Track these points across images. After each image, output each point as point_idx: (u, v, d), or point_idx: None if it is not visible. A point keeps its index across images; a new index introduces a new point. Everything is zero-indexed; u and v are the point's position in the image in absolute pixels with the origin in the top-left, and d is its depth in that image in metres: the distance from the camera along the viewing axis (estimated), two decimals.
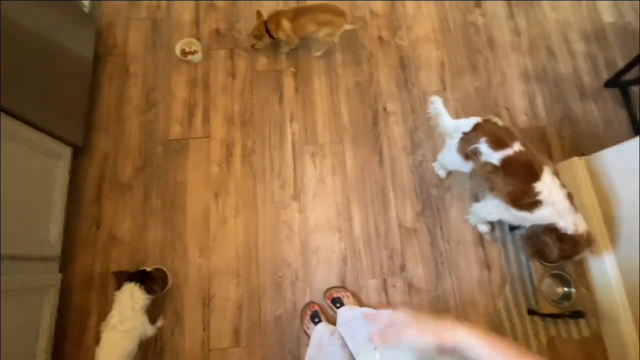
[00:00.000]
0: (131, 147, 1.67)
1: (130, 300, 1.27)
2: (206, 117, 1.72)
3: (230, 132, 1.70)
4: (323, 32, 1.66)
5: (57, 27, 1.46)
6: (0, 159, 1.15)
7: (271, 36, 1.68)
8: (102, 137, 1.68)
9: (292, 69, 1.81)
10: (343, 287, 1.50)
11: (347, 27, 1.68)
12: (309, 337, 1.42)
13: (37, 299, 1.27)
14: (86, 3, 1.70)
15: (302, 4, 1.74)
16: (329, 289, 1.50)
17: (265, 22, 1.65)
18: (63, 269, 1.43)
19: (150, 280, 1.34)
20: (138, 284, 1.30)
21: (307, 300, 1.49)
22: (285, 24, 1.63)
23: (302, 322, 1.46)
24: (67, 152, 1.48)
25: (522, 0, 1.99)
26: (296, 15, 1.63)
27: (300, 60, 1.83)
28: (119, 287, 1.31)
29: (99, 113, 1.71)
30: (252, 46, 1.79)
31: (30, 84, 1.30)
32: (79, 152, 1.60)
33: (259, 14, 1.69)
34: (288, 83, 1.79)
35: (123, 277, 1.32)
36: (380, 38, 1.88)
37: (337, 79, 1.80)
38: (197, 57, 1.79)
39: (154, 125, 1.70)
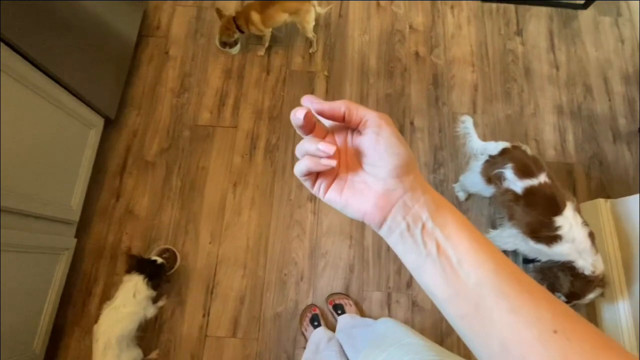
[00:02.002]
0: (160, 127, 1.71)
1: (133, 290, 1.28)
2: (236, 108, 1.75)
3: (257, 125, 1.73)
4: (293, 20, 1.68)
5: (109, 5, 1.52)
6: (40, 121, 1.20)
7: (241, 31, 1.70)
8: (134, 114, 1.73)
9: (326, 73, 1.83)
10: (346, 295, 1.50)
11: (319, 10, 1.69)
12: (305, 339, 1.41)
13: (51, 260, 1.31)
14: None
15: None
16: (332, 295, 1.49)
17: (234, 18, 1.67)
18: (78, 234, 1.47)
19: (158, 275, 1.35)
20: (144, 278, 1.30)
21: (309, 302, 1.49)
22: (255, 16, 1.64)
23: (301, 323, 1.46)
24: (100, 122, 1.53)
25: (565, 33, 1.97)
26: (264, 6, 1.64)
27: (335, 64, 1.85)
28: (128, 271, 1.33)
29: (135, 90, 1.76)
30: (222, 46, 1.77)
31: (77, 55, 1.36)
32: (110, 125, 1.65)
33: (219, 12, 1.71)
34: (320, 85, 1.81)
35: (133, 263, 1.34)
36: (417, 53, 1.89)
37: (368, 88, 1.81)
38: (235, 50, 1.83)
39: (185, 109, 1.74)
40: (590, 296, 1.23)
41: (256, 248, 1.55)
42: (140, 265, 1.33)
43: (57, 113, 1.29)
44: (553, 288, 1.30)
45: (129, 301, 1.25)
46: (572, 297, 1.24)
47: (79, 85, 1.35)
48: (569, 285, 1.22)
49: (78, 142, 1.42)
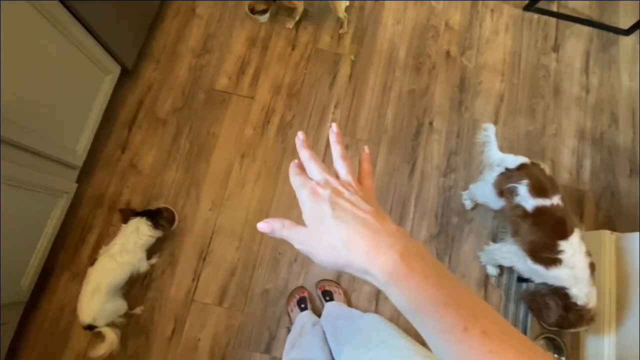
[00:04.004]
0: (176, 85, 1.67)
1: (134, 235, 1.28)
2: (255, 79, 1.71)
3: (274, 99, 1.69)
4: None
5: None
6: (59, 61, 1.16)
7: (271, 1, 1.65)
8: (151, 67, 1.68)
9: (352, 57, 1.78)
10: (337, 283, 1.49)
11: None
12: (290, 319, 1.42)
13: (51, 201, 1.30)
14: None
15: None
16: (322, 280, 1.49)
17: None
18: (79, 180, 1.45)
19: (159, 216, 1.36)
20: (145, 218, 1.31)
21: (300, 284, 1.49)
22: None
23: (287, 303, 1.46)
24: (116, 70, 1.49)
25: (601, 57, 1.91)
26: None
27: (363, 50, 1.79)
28: (125, 222, 1.32)
29: (155, 44, 1.71)
30: (251, 12, 1.72)
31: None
32: (126, 75, 1.61)
33: None
34: (344, 69, 1.76)
35: (130, 214, 1.33)
36: (448, 53, 1.83)
37: (393, 80, 1.76)
38: (264, 18, 1.77)
39: (203, 70, 1.70)
40: (577, 330, 1.22)
41: (254, 222, 1.52)
42: (137, 212, 1.33)
43: (76, 53, 1.25)
44: (540, 316, 1.30)
45: (127, 248, 1.26)
46: (561, 326, 1.24)
47: (101, 29, 1.31)
48: (557, 318, 1.21)
49: (92, 86, 1.39)
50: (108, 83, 1.46)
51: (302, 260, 1.52)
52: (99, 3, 1.29)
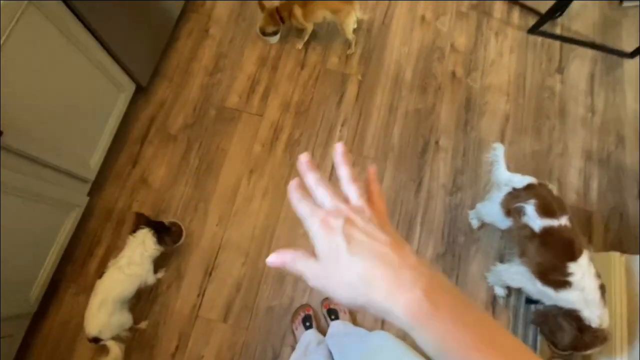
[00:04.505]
0: (188, 102, 1.71)
1: (140, 247, 1.29)
2: (265, 97, 1.75)
3: (282, 117, 1.72)
4: (333, 19, 1.69)
5: None
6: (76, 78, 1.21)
7: (283, 21, 1.71)
8: (165, 85, 1.74)
9: (359, 77, 1.82)
10: None
11: (359, 15, 1.69)
12: (295, 338, 1.41)
13: (62, 213, 1.32)
14: None
15: None
16: (328, 299, 1.48)
17: (278, 9, 1.68)
18: (90, 193, 1.48)
19: (165, 233, 1.37)
20: (152, 232, 1.32)
21: (305, 301, 1.48)
22: (297, 10, 1.65)
23: (292, 321, 1.45)
24: (131, 87, 1.54)
25: (606, 79, 1.93)
26: (307, 0, 1.65)
27: (370, 70, 1.84)
28: (134, 230, 1.33)
29: (169, 62, 1.77)
30: (261, 33, 1.78)
31: (121, 18, 1.37)
32: (140, 92, 1.66)
33: (261, 5, 1.71)
34: (351, 89, 1.80)
35: (142, 221, 1.35)
36: (453, 74, 1.87)
37: (399, 100, 1.80)
38: (274, 39, 1.83)
39: (215, 88, 1.75)
40: (592, 351, 1.20)
41: (261, 238, 1.55)
42: (149, 223, 1.35)
43: (93, 71, 1.30)
44: (554, 338, 1.27)
45: (134, 260, 1.27)
46: (576, 348, 1.21)
47: (118, 47, 1.36)
48: (571, 340, 1.19)
49: (107, 103, 1.43)
50: (123, 100, 1.51)
51: None
52: (118, 23, 1.35)
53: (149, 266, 1.31)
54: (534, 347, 1.47)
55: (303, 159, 0.37)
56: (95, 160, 1.43)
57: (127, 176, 1.59)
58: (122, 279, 1.24)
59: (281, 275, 1.51)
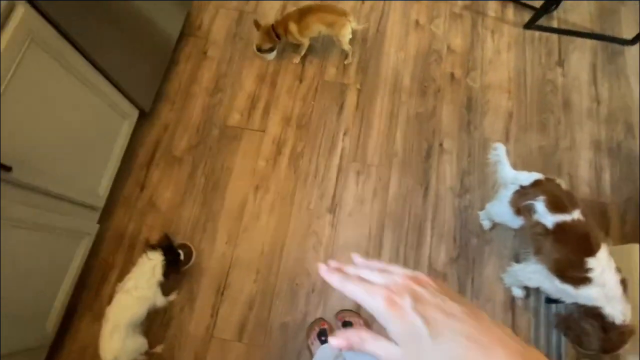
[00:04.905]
0: (191, 124, 1.74)
1: (149, 273, 1.29)
2: (266, 113, 1.77)
3: (284, 131, 1.74)
4: (329, 32, 1.70)
5: (155, 3, 1.57)
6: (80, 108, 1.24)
7: (279, 38, 1.72)
8: (167, 109, 1.77)
9: (358, 86, 1.83)
10: (357, 313, 1.46)
11: (354, 25, 1.70)
12: (311, 353, 1.38)
13: (73, 243, 1.34)
14: None
15: (305, 4, 1.72)
16: (342, 311, 1.46)
17: (273, 26, 1.70)
18: (100, 220, 1.50)
19: (175, 264, 1.36)
20: (164, 262, 1.31)
21: (319, 315, 1.46)
22: (292, 26, 1.67)
23: (307, 336, 1.43)
24: (134, 113, 1.57)
25: (608, 68, 1.91)
26: (301, 16, 1.66)
27: (368, 79, 1.84)
28: (153, 247, 1.32)
29: (170, 86, 1.81)
30: (258, 51, 1.80)
31: (121, 47, 1.41)
32: (143, 117, 1.69)
33: (256, 23, 1.72)
34: (351, 98, 1.81)
35: (164, 243, 1.34)
36: (452, 75, 1.86)
37: (399, 105, 1.79)
38: (271, 56, 1.85)
39: (216, 108, 1.77)
40: (621, 349, 1.15)
41: (271, 254, 1.54)
42: (167, 249, 1.34)
43: (96, 101, 1.33)
44: (580, 343, 1.23)
45: (141, 284, 1.26)
46: (605, 350, 1.17)
47: (119, 76, 1.40)
48: (599, 343, 1.14)
49: (112, 131, 1.46)
50: (127, 127, 1.54)
51: (320, 290, 1.50)
52: (118, 53, 1.38)
53: (156, 289, 1.30)
54: (559, 348, 1.42)
55: (356, 259, 0.38)
56: (104, 187, 1.45)
57: (135, 201, 1.61)
58: (131, 303, 1.24)
59: (293, 290, 1.50)
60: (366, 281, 0.33)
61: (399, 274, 0.34)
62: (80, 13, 1.16)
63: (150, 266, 1.29)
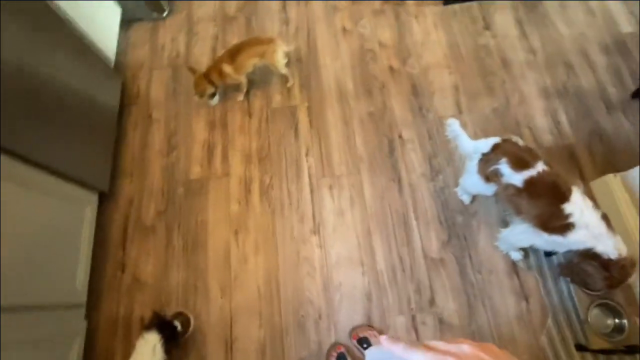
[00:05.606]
0: (154, 189, 1.72)
1: (149, 355, 1.24)
2: (225, 156, 1.76)
3: (248, 169, 1.73)
4: (264, 62, 1.72)
5: (86, 82, 1.57)
6: (28, 213, 1.20)
7: (215, 85, 1.73)
8: (127, 182, 1.74)
9: (306, 104, 1.84)
10: (369, 326, 1.43)
11: (285, 48, 1.72)
12: None
13: (64, 347, 1.28)
14: (112, 59, 1.84)
15: (232, 44, 1.75)
16: (354, 328, 1.43)
17: (205, 75, 1.69)
18: (88, 312, 1.45)
19: (174, 339, 1.32)
20: (161, 339, 1.27)
21: (332, 340, 1.43)
22: (226, 68, 1.68)
23: None
24: (94, 198, 1.54)
25: (533, 19, 1.98)
26: (232, 56, 1.67)
27: (313, 94, 1.86)
28: (147, 327, 1.28)
29: (124, 159, 1.79)
30: (200, 97, 1.78)
31: (63, 139, 1.39)
32: (105, 198, 1.66)
33: (191, 69, 1.72)
34: (302, 118, 1.82)
35: (155, 320, 1.30)
36: (391, 67, 1.90)
37: (350, 111, 1.81)
38: (215, 100, 1.86)
39: (175, 167, 1.76)
40: (626, 282, 1.15)
41: (268, 293, 1.51)
42: (161, 325, 1.30)
43: (48, 201, 1.29)
44: (586, 285, 1.23)
45: None
46: (611, 286, 1.17)
47: (68, 167, 1.37)
48: (603, 281, 1.15)
49: (74, 223, 1.43)
50: (90, 213, 1.51)
51: (326, 314, 1.46)
52: (59, 145, 1.36)
53: None
54: (571, 298, 1.42)
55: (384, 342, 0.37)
56: (81, 281, 1.40)
57: (119, 283, 1.57)
58: None
59: (300, 323, 1.46)
60: (433, 349, 0.33)
61: (468, 344, 0.34)
62: (7, 118, 1.14)
63: (149, 348, 1.24)
